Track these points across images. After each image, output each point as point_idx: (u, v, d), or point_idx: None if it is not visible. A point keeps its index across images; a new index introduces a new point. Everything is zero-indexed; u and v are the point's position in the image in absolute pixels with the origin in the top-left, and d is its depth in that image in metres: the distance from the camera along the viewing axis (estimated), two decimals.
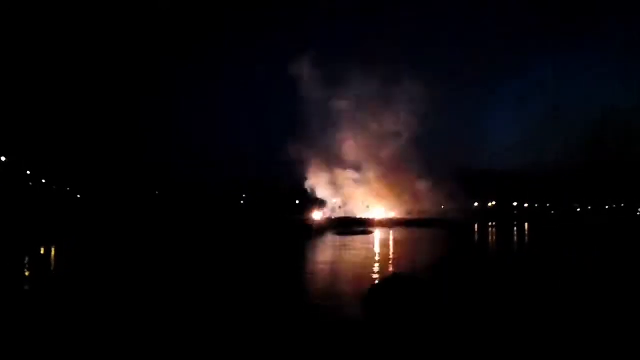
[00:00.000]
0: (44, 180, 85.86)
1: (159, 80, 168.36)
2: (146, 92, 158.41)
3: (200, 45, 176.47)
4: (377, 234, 66.46)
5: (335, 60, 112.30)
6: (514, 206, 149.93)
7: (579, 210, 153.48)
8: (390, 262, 32.86)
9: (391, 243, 52.72)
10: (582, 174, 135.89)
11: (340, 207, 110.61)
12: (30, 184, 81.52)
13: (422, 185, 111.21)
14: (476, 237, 67.34)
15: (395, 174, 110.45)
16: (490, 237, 66.36)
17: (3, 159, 72.68)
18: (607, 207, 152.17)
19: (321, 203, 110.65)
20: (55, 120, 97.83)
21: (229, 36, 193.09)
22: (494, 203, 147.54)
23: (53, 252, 38.14)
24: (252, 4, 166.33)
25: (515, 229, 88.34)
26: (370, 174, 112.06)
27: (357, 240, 55.44)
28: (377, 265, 30.42)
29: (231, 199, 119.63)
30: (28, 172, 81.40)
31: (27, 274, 26.65)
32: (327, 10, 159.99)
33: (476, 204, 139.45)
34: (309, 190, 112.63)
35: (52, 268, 29.91)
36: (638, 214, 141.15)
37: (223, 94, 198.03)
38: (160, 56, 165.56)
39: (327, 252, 42.91)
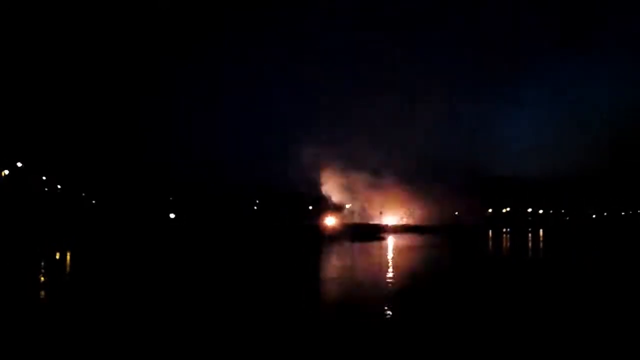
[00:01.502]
0: (59, 186, 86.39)
1: (159, 80, 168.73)
2: (146, 92, 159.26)
3: (200, 45, 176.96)
4: (391, 241, 66.28)
5: (343, 62, 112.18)
6: (528, 212, 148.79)
7: (594, 216, 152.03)
8: (404, 270, 32.80)
9: (404, 250, 52.59)
10: (598, 181, 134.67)
11: (353, 212, 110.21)
12: (46, 189, 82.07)
13: (436, 192, 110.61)
14: (490, 243, 67.01)
15: (409, 180, 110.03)
16: (504, 243, 65.92)
17: (19, 164, 73.26)
18: (622, 213, 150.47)
19: (335, 209, 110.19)
20: (63, 122, 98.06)
21: (229, 36, 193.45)
22: (508, 209, 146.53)
23: (68, 257, 38.37)
24: (252, 4, 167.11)
25: (530, 235, 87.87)
26: (385, 180, 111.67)
27: (371, 246, 55.23)
28: (390, 272, 30.36)
29: (243, 203, 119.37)
30: (44, 178, 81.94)
31: (42, 279, 26.86)
32: (327, 10, 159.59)
33: (490, 210, 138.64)
34: (323, 195, 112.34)
35: (67, 272, 30.14)
36: None
37: (223, 94, 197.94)
38: (161, 56, 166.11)
39: (340, 259, 42.81)
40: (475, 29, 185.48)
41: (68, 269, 32.35)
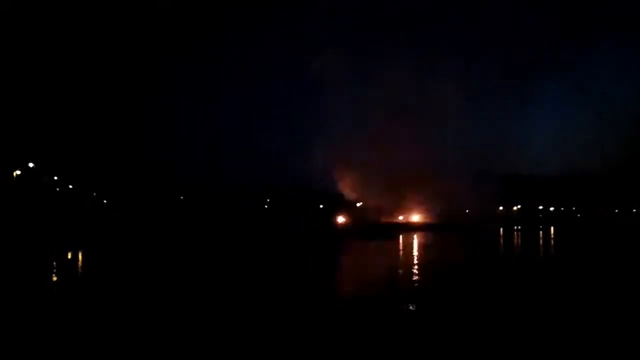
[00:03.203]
0: (70, 186, 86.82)
1: (159, 80, 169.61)
2: (146, 93, 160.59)
3: (200, 45, 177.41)
4: (402, 239, 66.23)
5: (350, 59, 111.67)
6: (539, 210, 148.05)
7: (604, 214, 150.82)
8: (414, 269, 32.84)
9: (415, 248, 52.57)
10: (610, 178, 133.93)
11: (365, 210, 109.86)
12: (58, 189, 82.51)
13: (447, 189, 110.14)
14: (501, 240, 66.81)
15: (421, 177, 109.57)
16: (514, 241, 65.67)
17: (31, 165, 73.62)
18: (634, 210, 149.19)
19: (347, 207, 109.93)
20: (70, 123, 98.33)
21: (229, 36, 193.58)
22: (519, 207, 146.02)
23: (80, 256, 38.53)
24: (252, 4, 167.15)
25: (541, 232, 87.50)
26: (396, 177, 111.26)
27: (382, 245, 55.09)
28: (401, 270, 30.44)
29: (247, 203, 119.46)
30: (55, 178, 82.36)
31: (54, 278, 27.08)
32: (327, 10, 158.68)
33: (501, 208, 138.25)
34: (333, 194, 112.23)
35: (79, 271, 30.35)
36: None
37: (223, 94, 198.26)
38: (161, 56, 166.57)
39: (351, 257, 42.84)
40: (500, 28, 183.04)
41: (80, 268, 32.53)
